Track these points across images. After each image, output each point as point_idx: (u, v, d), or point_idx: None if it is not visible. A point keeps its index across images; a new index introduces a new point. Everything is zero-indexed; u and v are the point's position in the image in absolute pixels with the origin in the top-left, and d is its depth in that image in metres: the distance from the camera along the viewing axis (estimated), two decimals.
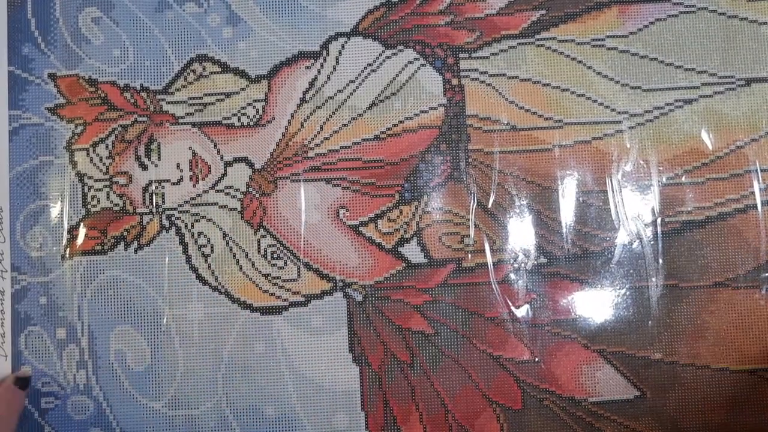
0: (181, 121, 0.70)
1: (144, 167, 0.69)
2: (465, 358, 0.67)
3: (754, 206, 0.67)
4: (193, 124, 0.70)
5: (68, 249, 0.69)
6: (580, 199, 0.68)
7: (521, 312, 0.67)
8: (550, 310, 0.67)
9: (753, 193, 0.67)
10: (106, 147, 0.70)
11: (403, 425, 0.67)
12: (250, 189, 0.69)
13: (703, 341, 0.67)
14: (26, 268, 0.69)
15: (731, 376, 0.67)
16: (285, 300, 0.68)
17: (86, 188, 0.70)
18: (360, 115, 0.70)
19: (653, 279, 0.67)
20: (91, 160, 0.70)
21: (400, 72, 0.70)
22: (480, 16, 0.70)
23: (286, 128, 0.69)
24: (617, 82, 0.69)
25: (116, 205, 0.69)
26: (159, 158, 0.70)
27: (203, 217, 0.69)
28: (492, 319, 0.67)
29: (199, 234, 0.69)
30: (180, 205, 0.69)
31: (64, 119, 0.70)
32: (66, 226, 0.69)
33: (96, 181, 0.70)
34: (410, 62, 0.70)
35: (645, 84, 0.69)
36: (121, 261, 0.69)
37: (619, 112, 0.69)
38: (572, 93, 0.69)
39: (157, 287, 0.68)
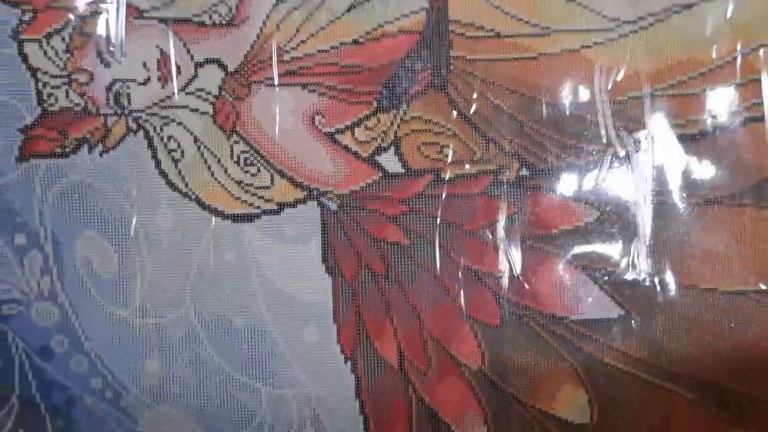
0: (146, 15, 0.66)
1: (107, 64, 0.66)
2: (442, 271, 0.66)
3: (757, 119, 0.65)
4: (160, 20, 0.66)
5: (23, 151, 0.66)
6: (566, 110, 0.66)
7: (501, 225, 0.66)
8: (532, 224, 0.66)
9: (756, 104, 0.65)
10: (63, 40, 0.65)
11: (376, 340, 0.66)
12: (223, 92, 0.66)
13: (691, 260, 0.66)
14: None
15: (719, 297, 0.66)
16: (257, 207, 0.66)
17: (41, 85, 0.65)
18: (338, 17, 0.66)
19: (641, 195, 0.66)
20: (45, 53, 0.65)
21: None
22: None
23: (261, 29, 0.66)
24: None
25: (77, 105, 0.66)
26: (123, 55, 0.66)
27: (173, 120, 0.66)
28: (471, 233, 0.66)
29: (169, 138, 0.66)
30: (148, 107, 0.66)
31: (7, 2, 0.65)
32: (18, 125, 0.65)
33: (52, 77, 0.65)
34: None
35: None
36: (85, 165, 0.66)
37: (610, 19, 0.66)
38: None
39: (124, 192, 0.65)
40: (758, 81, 0.65)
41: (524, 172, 0.66)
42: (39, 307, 0.66)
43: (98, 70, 0.65)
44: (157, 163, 0.66)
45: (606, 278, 0.66)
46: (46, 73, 0.65)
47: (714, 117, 0.65)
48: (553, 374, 0.66)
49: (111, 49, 0.65)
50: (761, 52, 0.65)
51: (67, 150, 0.65)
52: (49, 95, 0.65)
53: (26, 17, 0.65)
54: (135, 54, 0.65)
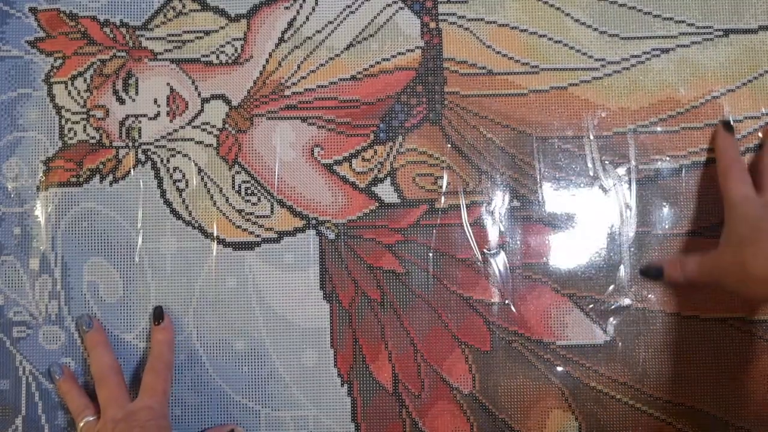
0: (159, 57, 0.70)
1: (121, 101, 0.70)
2: (435, 298, 0.67)
3: None
4: (172, 61, 0.70)
5: (43, 180, 0.69)
6: (555, 144, 0.68)
7: (493, 254, 0.67)
8: (521, 253, 0.68)
9: None
10: (84, 80, 0.70)
11: (371, 363, 0.67)
12: (227, 125, 0.69)
13: (673, 288, 0.67)
14: (1, 198, 0.69)
15: (701, 324, 0.67)
16: (258, 236, 0.69)
17: (63, 120, 0.70)
18: (337, 55, 0.70)
19: (626, 226, 0.67)
20: (69, 93, 0.70)
21: (378, 14, 0.70)
22: None
23: (264, 67, 0.70)
24: (595, 29, 0.69)
25: (93, 138, 0.69)
26: (137, 93, 0.70)
27: (179, 152, 0.69)
28: (463, 261, 0.68)
29: (175, 169, 0.69)
30: (156, 140, 0.69)
31: (44, 53, 0.71)
32: (42, 157, 0.70)
33: (73, 113, 0.70)
34: (388, 5, 0.70)
35: (623, 32, 0.69)
36: (96, 193, 0.69)
37: (595, 59, 0.69)
38: (549, 39, 0.70)
39: (131, 220, 0.69)
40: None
41: (515, 203, 0.68)
42: (47, 330, 0.68)
43: (113, 107, 0.70)
44: (163, 193, 0.69)
45: (592, 305, 0.67)
46: (68, 110, 0.70)
47: (692, 153, 0.68)
48: (542, 399, 0.66)
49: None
50: (728, 95, 0.68)
51: (81, 179, 0.69)
52: (70, 129, 0.69)
53: (57, 63, 0.70)
54: (147, 91, 0.70)
